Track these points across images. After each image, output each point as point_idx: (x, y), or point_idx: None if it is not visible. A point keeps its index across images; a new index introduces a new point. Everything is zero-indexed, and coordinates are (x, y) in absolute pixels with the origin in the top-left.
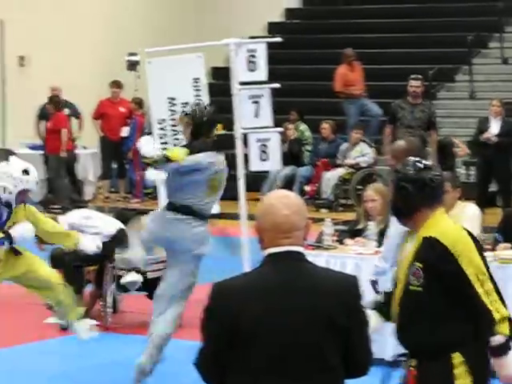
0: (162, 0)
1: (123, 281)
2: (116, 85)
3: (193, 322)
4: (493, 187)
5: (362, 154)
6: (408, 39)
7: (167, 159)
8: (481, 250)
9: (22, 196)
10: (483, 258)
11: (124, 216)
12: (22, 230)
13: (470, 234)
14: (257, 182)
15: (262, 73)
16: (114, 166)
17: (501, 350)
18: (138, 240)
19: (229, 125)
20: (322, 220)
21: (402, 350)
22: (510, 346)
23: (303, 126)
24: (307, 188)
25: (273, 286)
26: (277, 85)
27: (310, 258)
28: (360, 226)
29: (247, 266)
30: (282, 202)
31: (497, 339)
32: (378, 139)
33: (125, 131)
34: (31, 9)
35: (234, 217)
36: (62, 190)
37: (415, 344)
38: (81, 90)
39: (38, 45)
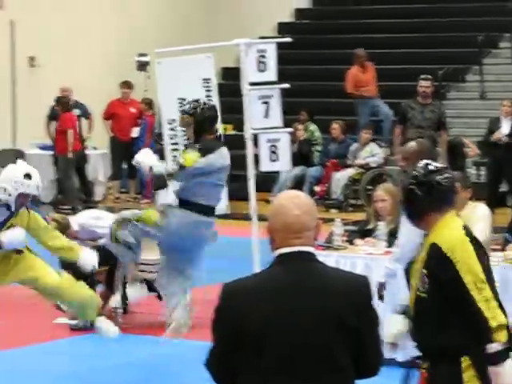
0: (173, 1)
1: (127, 291)
2: (126, 85)
3: (203, 323)
4: (503, 187)
5: (371, 154)
6: (418, 39)
7: (181, 166)
8: (484, 255)
9: (22, 199)
10: (485, 264)
11: None
12: (11, 236)
13: (474, 238)
14: (267, 182)
15: (271, 73)
16: (124, 166)
17: (497, 358)
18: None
19: (239, 125)
20: (331, 220)
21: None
22: (507, 355)
23: (313, 127)
24: (317, 188)
25: (283, 287)
26: (287, 85)
27: (320, 259)
28: (370, 226)
29: (257, 266)
30: (293, 202)
31: (493, 347)
32: (388, 139)
33: (135, 132)
34: (41, 10)
35: (245, 217)
36: (69, 190)
37: (424, 347)
38: (91, 90)
39: (49, 45)
